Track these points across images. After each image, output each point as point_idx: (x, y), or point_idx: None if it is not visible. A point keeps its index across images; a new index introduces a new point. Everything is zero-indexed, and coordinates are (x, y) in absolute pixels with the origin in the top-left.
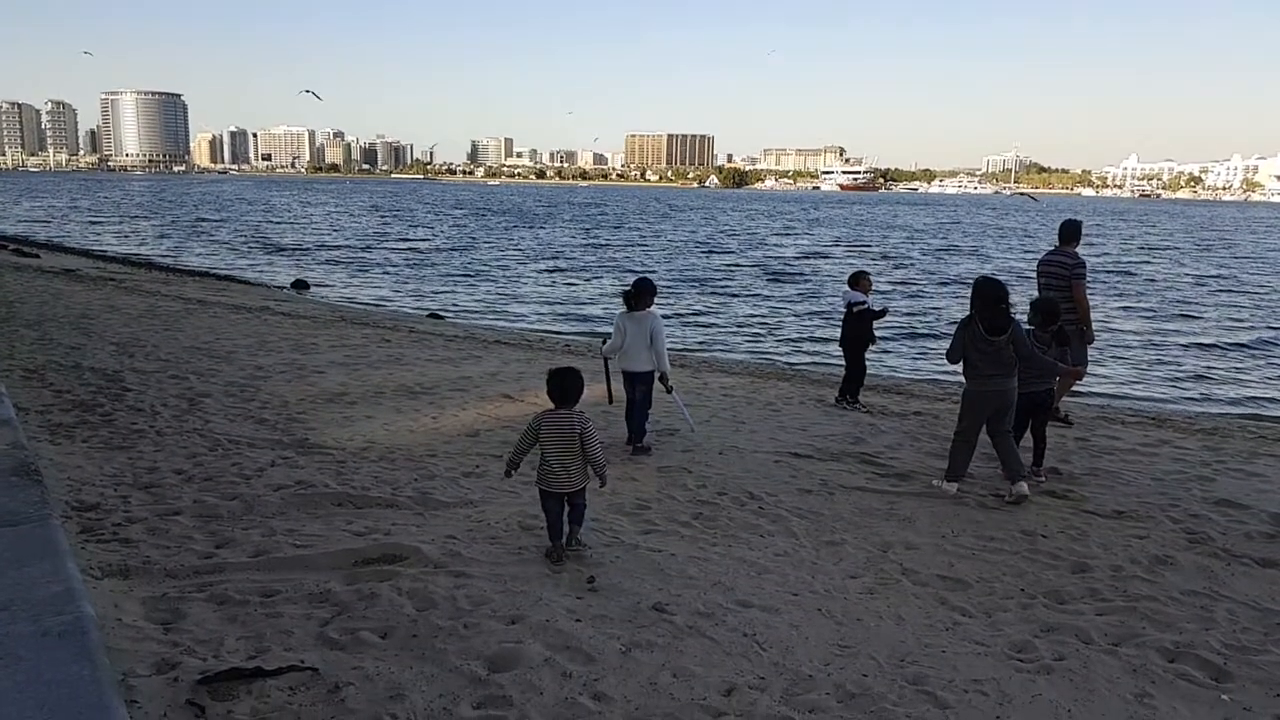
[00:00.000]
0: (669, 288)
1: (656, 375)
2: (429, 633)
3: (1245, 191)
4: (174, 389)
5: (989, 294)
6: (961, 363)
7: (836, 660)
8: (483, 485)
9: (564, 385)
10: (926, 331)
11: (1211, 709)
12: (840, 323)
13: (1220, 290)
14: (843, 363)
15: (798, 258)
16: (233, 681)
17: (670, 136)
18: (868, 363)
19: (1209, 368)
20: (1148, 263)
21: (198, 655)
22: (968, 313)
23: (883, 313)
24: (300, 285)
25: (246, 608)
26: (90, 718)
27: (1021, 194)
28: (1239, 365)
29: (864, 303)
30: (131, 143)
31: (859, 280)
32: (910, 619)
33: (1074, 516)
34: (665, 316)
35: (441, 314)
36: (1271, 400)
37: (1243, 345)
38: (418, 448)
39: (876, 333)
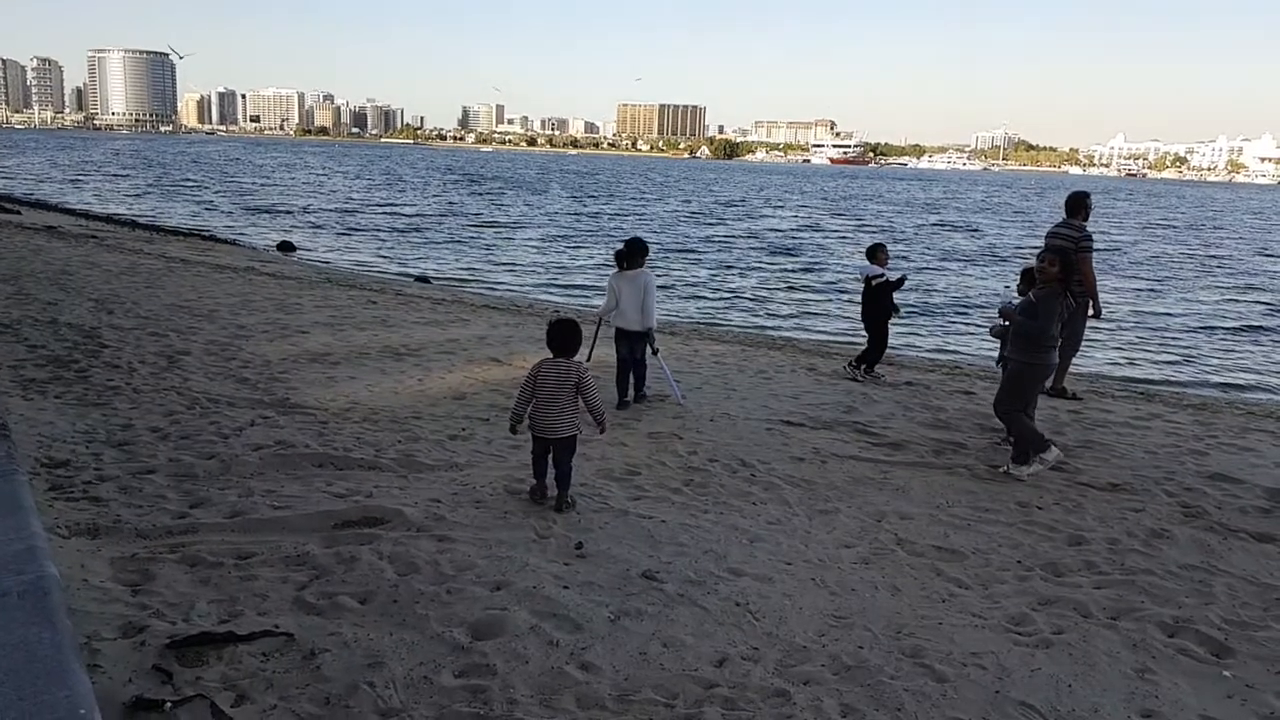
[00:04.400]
0: (661, 259)
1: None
2: (410, 598)
3: (1230, 173)
4: (153, 346)
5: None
6: (1023, 337)
7: (831, 631)
8: (468, 448)
9: (564, 336)
10: (919, 306)
11: (1214, 685)
12: (860, 298)
13: (1214, 269)
14: (863, 336)
15: (790, 230)
16: (203, 646)
17: (662, 106)
18: (891, 333)
19: (1196, 347)
20: (1138, 242)
21: (167, 618)
22: (1036, 287)
23: (900, 281)
24: (286, 247)
25: (220, 570)
26: (49, 683)
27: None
28: (1228, 346)
29: (881, 275)
30: (118, 101)
31: (876, 253)
32: (906, 590)
33: (1069, 489)
34: (659, 288)
35: (429, 278)
36: (1251, 386)
37: (1233, 326)
38: (402, 409)
39: (898, 302)
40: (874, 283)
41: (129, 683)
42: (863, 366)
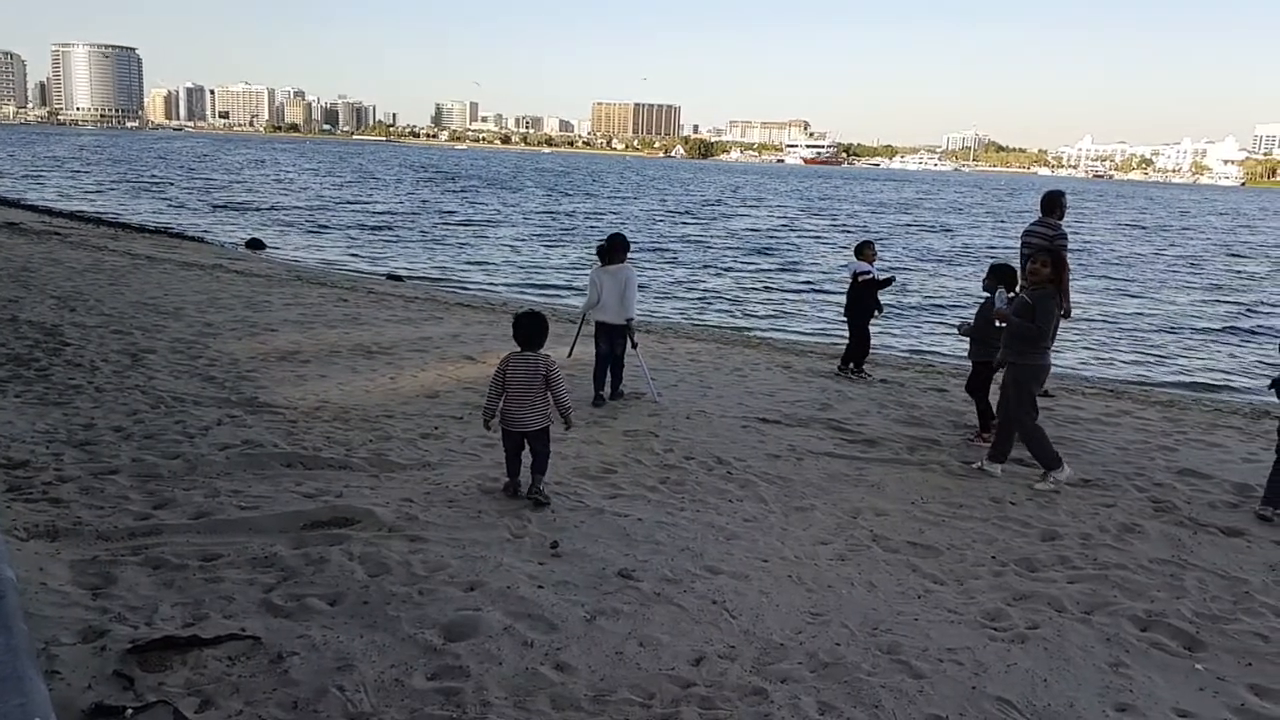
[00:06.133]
0: (637, 258)
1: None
2: (381, 599)
3: (1194, 174)
4: (116, 344)
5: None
6: (1021, 339)
7: (808, 628)
8: (441, 447)
9: (530, 328)
10: (895, 305)
11: (1186, 678)
12: (845, 293)
13: (1183, 270)
14: (838, 332)
15: (767, 229)
16: (166, 651)
17: (637, 105)
18: (871, 332)
19: (1164, 346)
20: (1108, 242)
21: (129, 623)
22: (1033, 289)
23: (888, 281)
24: (255, 244)
25: (184, 572)
26: (2, 691)
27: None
28: (1197, 345)
29: (868, 272)
30: (83, 97)
31: (864, 250)
32: (882, 586)
33: (1042, 484)
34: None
35: (401, 276)
36: (1221, 386)
37: (1202, 327)
38: (373, 408)
39: (884, 300)
40: (860, 279)
41: (88, 689)
42: (850, 365)
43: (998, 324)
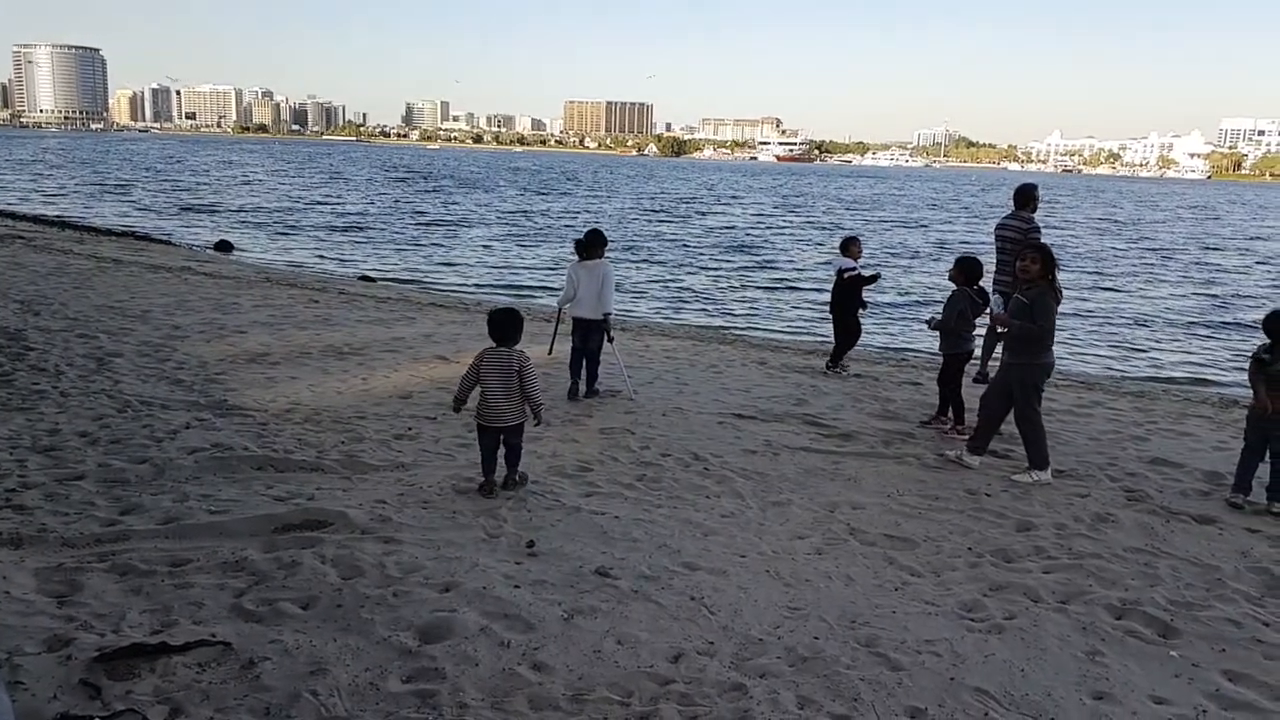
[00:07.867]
0: (612, 256)
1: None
2: (355, 602)
3: (1161, 168)
4: (81, 348)
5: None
6: (1024, 340)
7: (787, 623)
8: (415, 448)
9: (504, 324)
10: (871, 302)
11: (1161, 665)
12: (830, 289)
13: (1155, 264)
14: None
15: (742, 227)
16: (134, 659)
17: (609, 104)
18: (861, 325)
19: (1136, 339)
20: (1081, 236)
21: (95, 630)
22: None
23: (874, 278)
24: (224, 246)
25: (152, 578)
26: None
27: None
28: (1170, 339)
29: (854, 269)
30: (46, 98)
31: (849, 246)
32: (859, 579)
33: (1020, 475)
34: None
35: (372, 277)
36: (1198, 380)
37: (1176, 320)
38: (345, 409)
39: (866, 297)
40: (846, 276)
41: (54, 699)
42: (826, 360)
43: (999, 330)
